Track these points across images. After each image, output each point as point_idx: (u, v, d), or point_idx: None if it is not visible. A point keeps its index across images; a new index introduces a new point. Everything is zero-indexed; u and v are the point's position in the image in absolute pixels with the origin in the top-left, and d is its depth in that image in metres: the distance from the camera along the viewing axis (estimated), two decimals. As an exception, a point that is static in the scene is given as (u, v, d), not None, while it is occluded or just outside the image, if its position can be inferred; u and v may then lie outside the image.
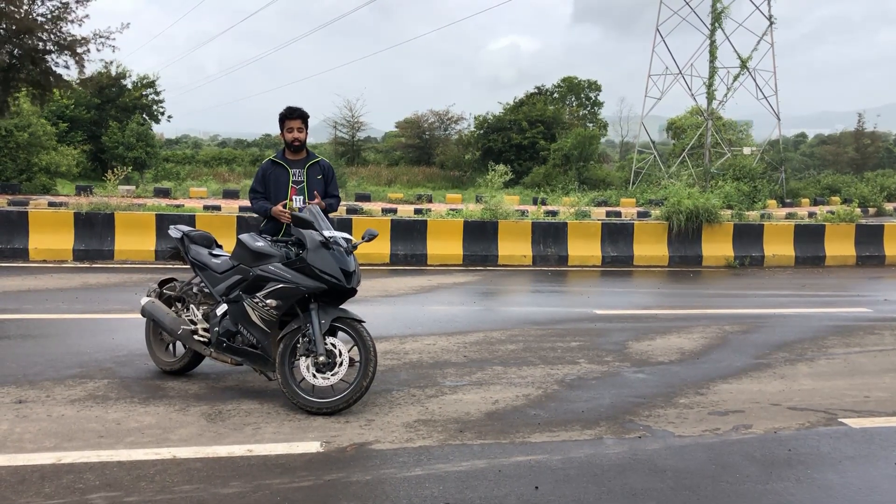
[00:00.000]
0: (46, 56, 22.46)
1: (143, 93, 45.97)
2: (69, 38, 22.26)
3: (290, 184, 5.58)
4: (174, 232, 5.66)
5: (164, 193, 25.98)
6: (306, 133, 5.67)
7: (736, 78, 37.23)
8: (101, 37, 22.64)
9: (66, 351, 6.09)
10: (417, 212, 20.75)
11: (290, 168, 5.62)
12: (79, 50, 22.39)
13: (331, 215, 5.85)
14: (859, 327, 8.04)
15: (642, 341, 7.07)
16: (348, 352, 4.78)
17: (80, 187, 24.94)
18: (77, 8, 22.20)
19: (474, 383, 5.54)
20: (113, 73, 41.63)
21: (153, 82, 46.95)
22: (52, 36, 22.16)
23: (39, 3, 21.90)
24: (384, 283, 10.32)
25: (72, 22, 22.22)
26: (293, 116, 5.59)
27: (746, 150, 40.56)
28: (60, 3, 22.11)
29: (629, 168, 43.09)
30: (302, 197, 5.58)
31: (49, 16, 21.96)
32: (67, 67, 23.01)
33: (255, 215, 6.41)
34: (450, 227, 12.82)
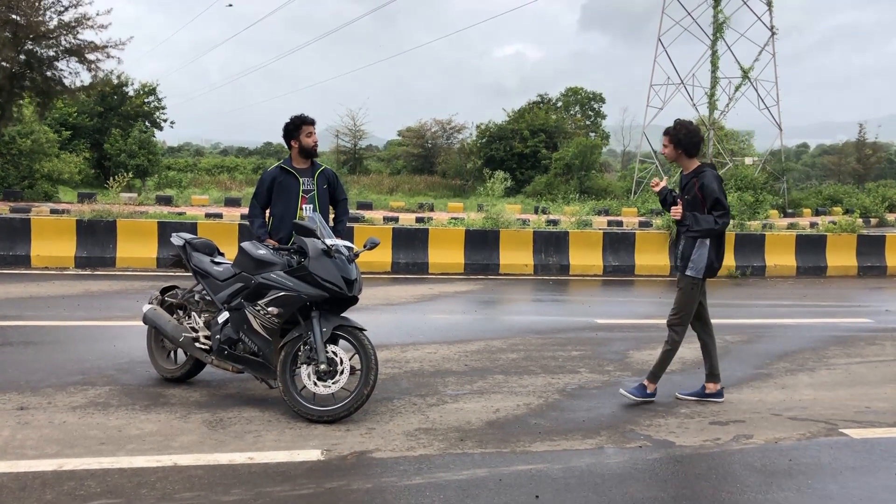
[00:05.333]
0: (54, 63, 22.51)
1: (145, 100, 46.10)
2: (81, 44, 22.30)
3: (301, 193, 5.57)
4: (176, 239, 5.67)
5: (166, 201, 26.00)
6: None
7: (738, 88, 37.32)
8: (110, 46, 22.71)
9: (67, 358, 6.10)
10: (419, 220, 20.75)
11: (300, 177, 5.60)
12: (89, 56, 22.41)
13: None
14: (860, 338, 8.03)
15: (643, 351, 7.07)
16: (349, 360, 4.79)
17: (83, 194, 24.97)
18: (96, 17, 22.30)
19: (475, 392, 5.54)
20: (115, 80, 41.77)
21: (154, 89, 47.10)
22: (66, 42, 22.20)
23: (44, 11, 21.96)
24: (386, 292, 10.33)
25: (91, 27, 22.27)
26: (312, 122, 5.63)
27: (748, 161, 40.60)
28: (69, 2, 22.14)
29: (631, 177, 43.13)
30: (312, 206, 5.56)
31: (63, 22, 22.00)
32: (78, 74, 23.06)
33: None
34: (451, 236, 12.84)
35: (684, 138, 5.29)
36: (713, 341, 5.55)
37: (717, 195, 5.17)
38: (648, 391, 5.40)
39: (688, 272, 5.29)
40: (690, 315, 5.39)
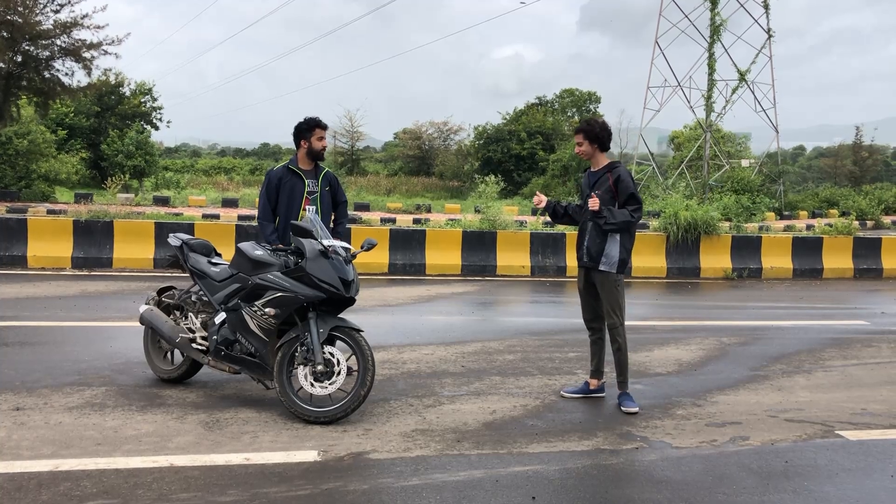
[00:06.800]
0: (51, 63, 22.50)
1: (141, 100, 46.10)
2: (77, 44, 22.29)
3: (305, 194, 5.60)
4: (173, 240, 5.66)
5: (163, 202, 25.94)
6: None
7: (734, 90, 37.45)
8: (106, 43, 22.70)
9: (64, 358, 6.09)
10: (416, 221, 20.77)
11: (306, 178, 5.64)
12: (85, 55, 22.41)
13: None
14: (856, 340, 8.05)
15: (640, 353, 7.07)
16: (346, 361, 4.79)
17: (80, 195, 24.92)
18: (92, 16, 22.28)
19: (472, 393, 5.54)
20: (112, 80, 41.77)
21: (150, 89, 47.10)
22: (62, 42, 22.19)
23: (40, 11, 21.93)
24: (383, 293, 10.33)
25: (87, 28, 22.24)
26: (325, 127, 5.69)
27: (745, 163, 40.68)
28: (63, 2, 22.13)
29: (628, 179, 43.07)
30: (314, 207, 5.60)
31: (59, 22, 21.98)
32: (69, 75, 23.04)
33: (254, 224, 6.42)
34: (448, 237, 12.84)
35: (600, 133, 5.36)
36: (604, 342, 5.58)
37: (632, 190, 5.28)
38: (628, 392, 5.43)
39: (602, 268, 5.35)
40: (624, 310, 5.42)
